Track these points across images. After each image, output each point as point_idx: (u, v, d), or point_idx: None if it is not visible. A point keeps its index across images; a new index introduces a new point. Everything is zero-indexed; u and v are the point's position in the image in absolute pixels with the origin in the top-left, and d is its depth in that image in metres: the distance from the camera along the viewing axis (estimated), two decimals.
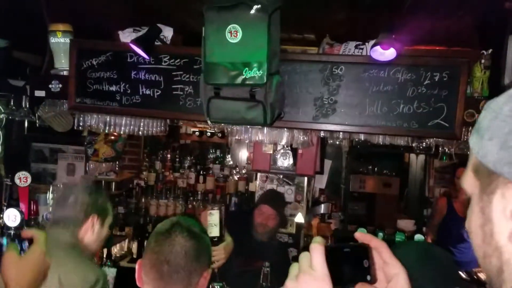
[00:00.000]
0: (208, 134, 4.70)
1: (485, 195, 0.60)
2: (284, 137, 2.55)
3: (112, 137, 4.02)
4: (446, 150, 2.39)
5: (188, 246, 1.40)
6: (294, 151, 3.60)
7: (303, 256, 0.73)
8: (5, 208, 2.63)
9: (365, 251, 0.77)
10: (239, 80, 1.97)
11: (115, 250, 3.84)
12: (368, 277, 0.75)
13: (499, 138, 0.56)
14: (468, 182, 0.63)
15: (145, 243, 4.03)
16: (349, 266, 0.75)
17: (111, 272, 2.23)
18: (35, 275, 1.10)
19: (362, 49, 2.43)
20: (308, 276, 0.71)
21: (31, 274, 1.09)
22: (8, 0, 2.61)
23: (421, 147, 2.44)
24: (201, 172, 4.82)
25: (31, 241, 1.14)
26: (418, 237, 2.43)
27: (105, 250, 2.61)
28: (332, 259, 0.73)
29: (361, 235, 0.79)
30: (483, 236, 0.60)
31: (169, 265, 1.38)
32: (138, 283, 1.45)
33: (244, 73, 1.96)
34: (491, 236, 0.58)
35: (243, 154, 4.91)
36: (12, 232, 2.16)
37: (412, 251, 1.37)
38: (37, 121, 3.07)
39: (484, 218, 0.60)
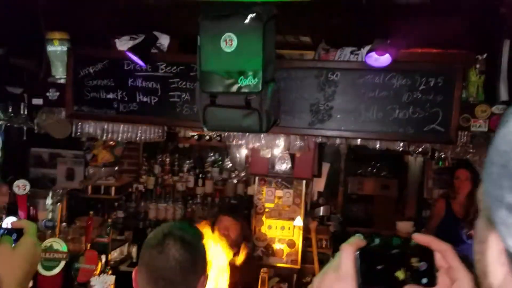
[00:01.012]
0: (207, 137, 4.70)
1: (483, 226, 0.52)
2: (281, 143, 2.56)
3: (111, 142, 4.03)
4: (442, 155, 2.40)
5: (183, 259, 1.38)
6: (292, 155, 3.61)
7: (336, 255, 0.73)
8: (4, 216, 2.64)
9: (421, 253, 0.74)
10: (234, 88, 1.98)
11: (115, 254, 3.85)
12: (424, 280, 0.72)
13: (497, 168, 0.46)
14: (479, 199, 0.54)
15: None
16: (399, 268, 0.73)
17: (109, 280, 2.25)
18: (28, 267, 1.07)
19: (358, 54, 2.44)
20: (333, 275, 0.71)
21: (24, 267, 1.06)
22: (5, 7, 2.62)
23: (417, 151, 2.45)
24: (200, 176, 4.83)
25: (20, 232, 1.10)
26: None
27: (103, 257, 2.62)
28: (377, 260, 0.72)
29: (420, 237, 0.75)
30: (478, 271, 0.55)
31: (165, 281, 1.37)
32: None
33: (239, 82, 1.97)
34: (484, 275, 0.53)
35: (242, 158, 4.92)
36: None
37: None
38: (35, 128, 3.08)
39: (481, 254, 0.53)
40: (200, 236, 1.52)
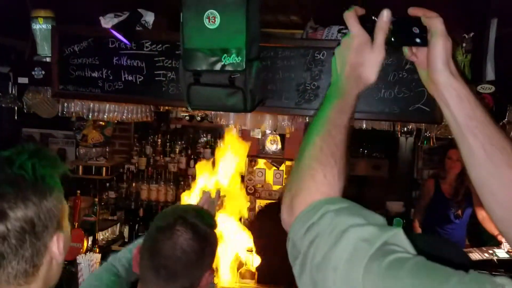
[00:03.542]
0: (198, 118, 4.68)
1: None
2: (268, 123, 2.56)
3: (101, 123, 4.02)
4: (428, 134, 2.40)
5: (191, 250, 1.27)
6: (282, 136, 3.62)
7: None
8: None
9: (414, 20, 0.89)
10: (218, 66, 1.96)
11: (107, 234, 3.88)
12: (418, 40, 0.90)
13: None
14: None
15: (136, 227, 4.07)
16: (400, 32, 0.91)
17: (95, 258, 2.27)
18: None
19: (345, 33, 2.41)
20: (346, 40, 0.90)
21: None
22: None
23: (402, 131, 2.46)
24: (192, 157, 4.83)
25: None
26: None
27: (90, 237, 2.65)
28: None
29: (413, 9, 0.89)
30: None
31: (166, 271, 1.26)
32: (134, 270, 1.38)
33: (222, 60, 1.95)
34: None
35: None
36: None
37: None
38: (24, 107, 3.07)
39: None
40: (214, 227, 1.39)
